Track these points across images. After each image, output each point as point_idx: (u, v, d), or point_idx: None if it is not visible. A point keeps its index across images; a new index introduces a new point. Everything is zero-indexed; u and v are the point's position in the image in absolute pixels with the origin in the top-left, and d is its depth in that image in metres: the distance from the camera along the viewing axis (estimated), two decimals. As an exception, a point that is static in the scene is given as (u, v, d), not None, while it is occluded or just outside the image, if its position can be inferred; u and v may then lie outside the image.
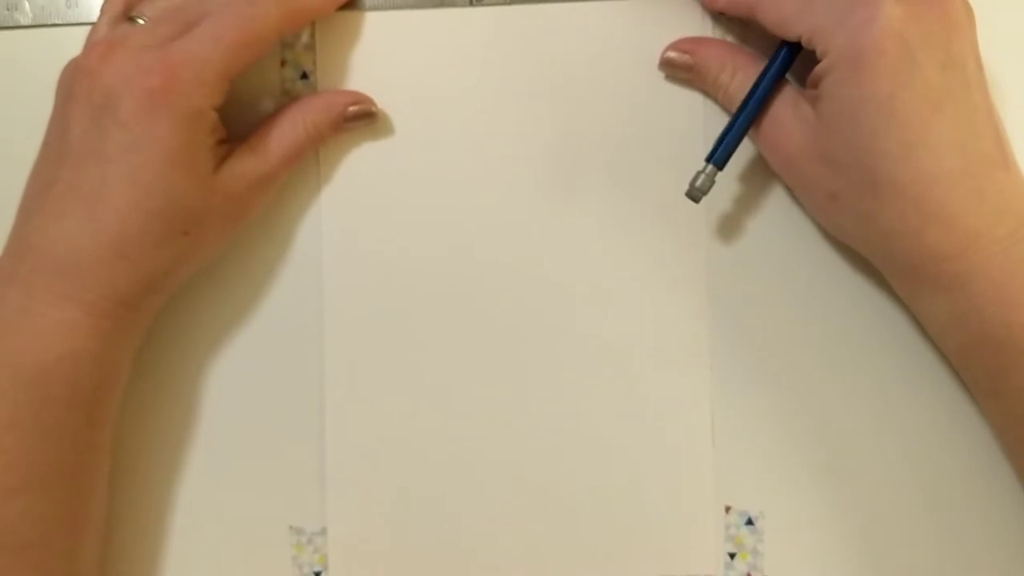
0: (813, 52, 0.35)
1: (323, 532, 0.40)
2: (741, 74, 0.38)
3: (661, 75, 0.40)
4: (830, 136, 0.35)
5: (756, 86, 0.37)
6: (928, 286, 0.35)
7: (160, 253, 0.36)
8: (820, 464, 0.40)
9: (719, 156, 0.37)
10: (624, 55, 0.40)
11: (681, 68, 0.39)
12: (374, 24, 0.40)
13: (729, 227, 0.40)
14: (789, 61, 0.37)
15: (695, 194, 0.37)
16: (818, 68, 0.35)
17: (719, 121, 0.40)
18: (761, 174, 0.40)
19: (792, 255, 0.40)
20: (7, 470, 0.34)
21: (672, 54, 0.39)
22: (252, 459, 0.41)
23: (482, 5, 0.40)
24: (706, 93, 0.40)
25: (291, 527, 0.41)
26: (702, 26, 0.40)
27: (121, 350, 0.37)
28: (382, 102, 0.40)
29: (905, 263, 0.35)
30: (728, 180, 0.40)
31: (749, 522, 0.40)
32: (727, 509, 0.40)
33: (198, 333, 0.41)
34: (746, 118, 0.37)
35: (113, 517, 0.40)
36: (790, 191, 0.39)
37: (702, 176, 0.37)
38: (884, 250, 0.36)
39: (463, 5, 0.40)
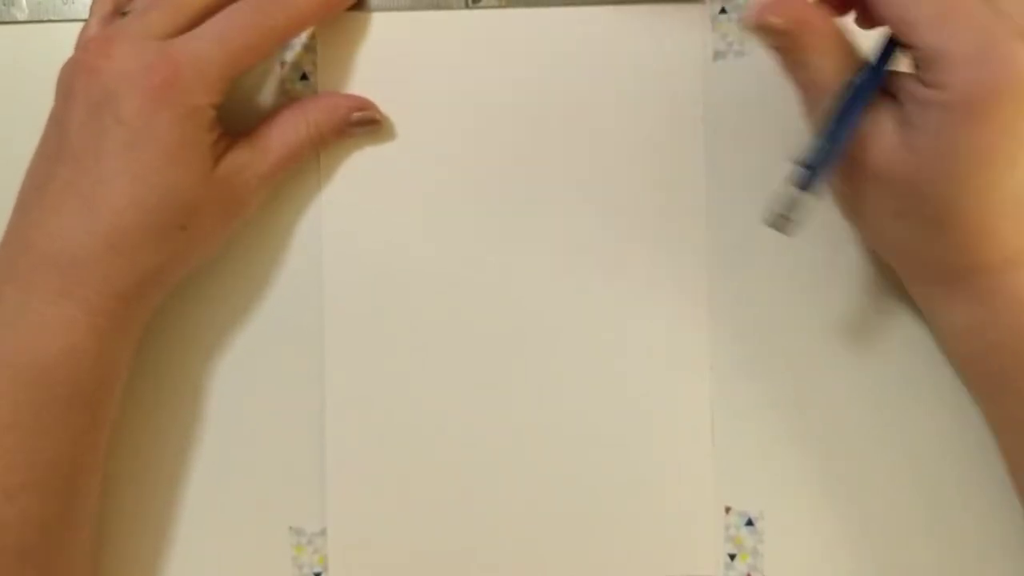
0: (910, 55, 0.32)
1: (323, 532, 0.40)
2: (834, 61, 0.33)
3: (660, 77, 0.40)
4: (920, 164, 0.32)
5: (857, 93, 0.33)
6: (956, 295, 0.35)
7: (157, 248, 0.36)
8: (820, 464, 0.40)
9: (814, 181, 0.33)
10: (622, 58, 0.40)
11: (776, 34, 0.34)
12: (373, 25, 0.40)
13: (729, 227, 0.40)
14: (888, 62, 0.33)
15: (782, 225, 0.33)
16: (922, 92, 0.32)
17: (719, 123, 0.40)
18: (762, 175, 0.40)
19: (793, 256, 0.40)
20: (8, 470, 0.34)
21: (774, 19, 0.33)
22: (252, 459, 0.40)
23: (480, 7, 0.41)
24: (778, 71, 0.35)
25: (291, 527, 0.40)
26: (701, 30, 0.40)
27: (120, 348, 0.37)
28: (382, 103, 0.40)
29: (940, 274, 0.35)
30: (728, 181, 0.40)
31: (749, 523, 0.40)
32: (727, 510, 0.40)
33: (198, 333, 0.41)
34: (847, 131, 0.33)
35: (114, 517, 0.40)
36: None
37: (796, 203, 0.33)
38: (921, 263, 0.36)
39: (460, 7, 0.41)
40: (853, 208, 0.37)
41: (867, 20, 0.34)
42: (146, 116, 0.34)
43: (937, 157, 0.32)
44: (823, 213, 0.40)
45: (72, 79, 0.36)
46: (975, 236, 0.34)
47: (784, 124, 0.40)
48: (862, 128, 0.33)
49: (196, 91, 0.35)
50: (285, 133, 0.38)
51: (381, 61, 0.40)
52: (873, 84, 0.33)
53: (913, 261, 0.36)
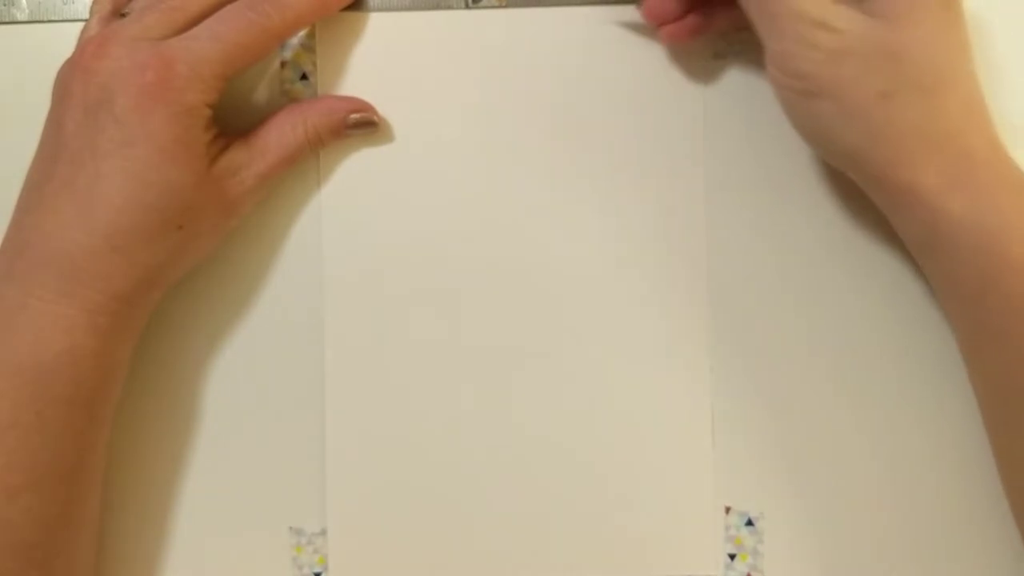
0: None
1: (323, 532, 0.40)
2: None
3: (660, 77, 0.40)
4: (899, 34, 0.33)
5: None
6: (957, 191, 0.34)
7: (155, 247, 0.36)
8: (820, 464, 0.40)
9: None
10: (622, 57, 0.40)
11: None
12: (373, 25, 0.41)
13: (729, 227, 0.40)
14: None
15: None
16: None
17: (719, 123, 0.40)
18: (761, 175, 0.40)
19: (792, 256, 0.40)
20: (10, 470, 0.34)
21: None
22: (252, 459, 0.40)
23: (480, 7, 0.41)
24: None
25: (291, 527, 0.40)
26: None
27: (120, 347, 0.37)
28: (381, 103, 0.40)
29: (943, 167, 0.34)
30: (728, 180, 0.40)
31: (749, 523, 0.40)
32: (727, 510, 0.40)
33: (199, 333, 0.41)
34: None
35: (113, 517, 0.40)
36: (790, 185, 0.40)
37: None
38: (909, 151, 0.34)
39: (460, 7, 0.41)
40: (851, 113, 0.34)
41: None
42: (141, 114, 0.34)
43: (914, 9, 0.33)
44: (824, 214, 0.40)
45: (69, 80, 0.36)
46: (973, 112, 0.34)
47: (784, 124, 0.40)
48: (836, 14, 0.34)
49: (190, 89, 0.35)
50: (283, 135, 0.38)
51: (381, 61, 0.41)
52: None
53: (901, 150, 0.34)
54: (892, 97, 0.33)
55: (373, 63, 0.41)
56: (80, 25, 0.38)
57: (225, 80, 0.36)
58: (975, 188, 0.34)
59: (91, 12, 0.38)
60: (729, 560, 0.40)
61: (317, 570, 0.41)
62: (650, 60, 0.40)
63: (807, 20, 0.33)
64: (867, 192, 0.36)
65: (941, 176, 0.34)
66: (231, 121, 0.38)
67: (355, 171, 0.41)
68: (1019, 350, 0.33)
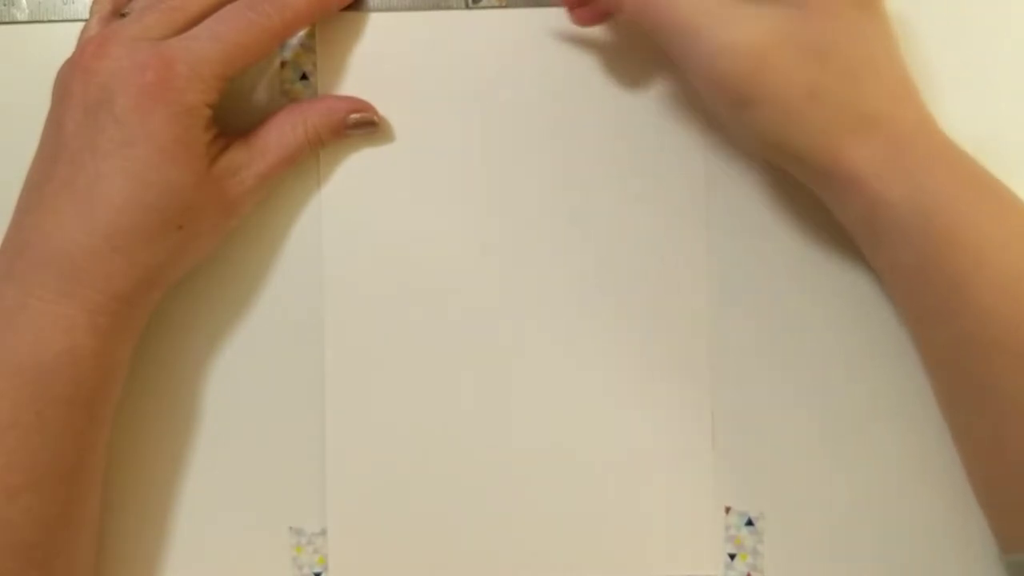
0: None
1: (323, 533, 0.40)
2: None
3: (660, 77, 0.40)
4: (817, 25, 0.34)
5: None
6: (893, 173, 0.34)
7: (155, 247, 0.36)
8: (820, 464, 0.40)
9: None
10: (622, 58, 0.40)
11: None
12: (374, 25, 0.41)
13: (729, 227, 0.40)
14: None
15: None
16: None
17: (719, 123, 0.40)
18: (761, 175, 0.40)
19: (792, 255, 0.40)
20: (10, 470, 0.34)
21: None
22: (252, 459, 0.40)
23: (480, 8, 0.41)
24: None
25: (291, 528, 0.40)
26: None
27: (120, 348, 0.37)
28: (381, 102, 0.40)
29: (876, 152, 0.34)
30: (728, 181, 0.40)
31: (749, 523, 0.40)
32: (727, 510, 0.40)
33: (199, 333, 0.41)
34: None
35: (113, 517, 0.40)
36: (791, 185, 0.40)
37: None
38: (855, 140, 0.34)
39: (460, 8, 0.41)
40: (782, 117, 0.35)
41: None
42: (141, 114, 0.35)
43: (827, 10, 0.34)
44: (826, 215, 0.40)
45: (69, 80, 0.36)
46: (900, 94, 0.34)
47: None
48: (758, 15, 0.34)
49: (190, 89, 0.35)
50: (283, 135, 0.39)
51: (381, 61, 0.41)
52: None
53: (835, 140, 0.34)
54: (820, 88, 0.34)
55: (373, 63, 0.41)
56: (80, 25, 0.38)
57: (225, 80, 0.36)
58: (911, 169, 0.34)
59: (91, 12, 0.38)
60: (729, 560, 0.40)
61: (317, 570, 0.41)
62: (650, 60, 0.40)
63: (722, 19, 0.34)
64: (812, 189, 0.37)
65: (875, 162, 0.34)
66: (231, 121, 0.38)
67: (355, 171, 0.41)
68: (962, 328, 0.34)
